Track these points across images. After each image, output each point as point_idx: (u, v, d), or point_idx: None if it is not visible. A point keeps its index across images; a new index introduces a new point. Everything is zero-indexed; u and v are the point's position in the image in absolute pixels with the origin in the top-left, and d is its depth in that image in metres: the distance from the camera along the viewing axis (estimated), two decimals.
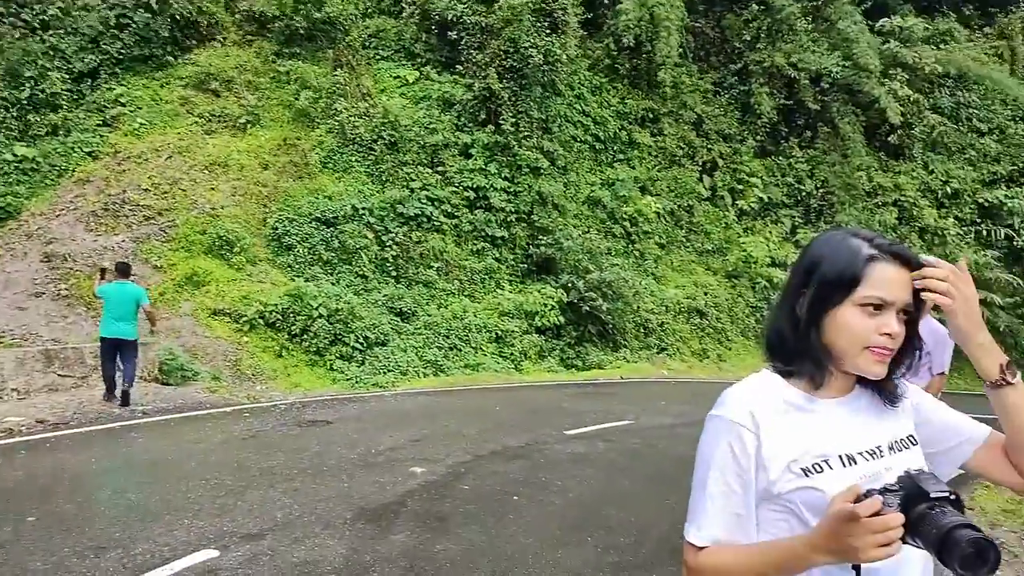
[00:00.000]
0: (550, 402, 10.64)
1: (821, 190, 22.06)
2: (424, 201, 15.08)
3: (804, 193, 22.12)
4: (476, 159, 16.20)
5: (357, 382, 11.06)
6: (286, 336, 11.74)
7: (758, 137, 21.92)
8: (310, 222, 13.75)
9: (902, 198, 22.38)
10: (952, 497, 1.07)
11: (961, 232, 22.42)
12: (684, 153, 21.10)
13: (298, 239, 13.42)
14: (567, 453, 7.13)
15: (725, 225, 21.13)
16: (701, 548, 1.19)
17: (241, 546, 4.14)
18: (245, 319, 11.58)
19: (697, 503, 1.21)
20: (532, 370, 13.93)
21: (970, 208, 22.86)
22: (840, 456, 1.20)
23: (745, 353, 19.20)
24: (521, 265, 16.28)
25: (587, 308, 15.24)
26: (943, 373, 4.77)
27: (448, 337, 13.38)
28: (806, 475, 1.17)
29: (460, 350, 13.35)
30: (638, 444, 7.99)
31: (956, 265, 1.20)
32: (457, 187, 15.77)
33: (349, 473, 5.71)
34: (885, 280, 1.18)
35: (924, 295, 1.20)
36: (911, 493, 1.08)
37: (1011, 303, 21.85)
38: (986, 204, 22.74)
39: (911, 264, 1.20)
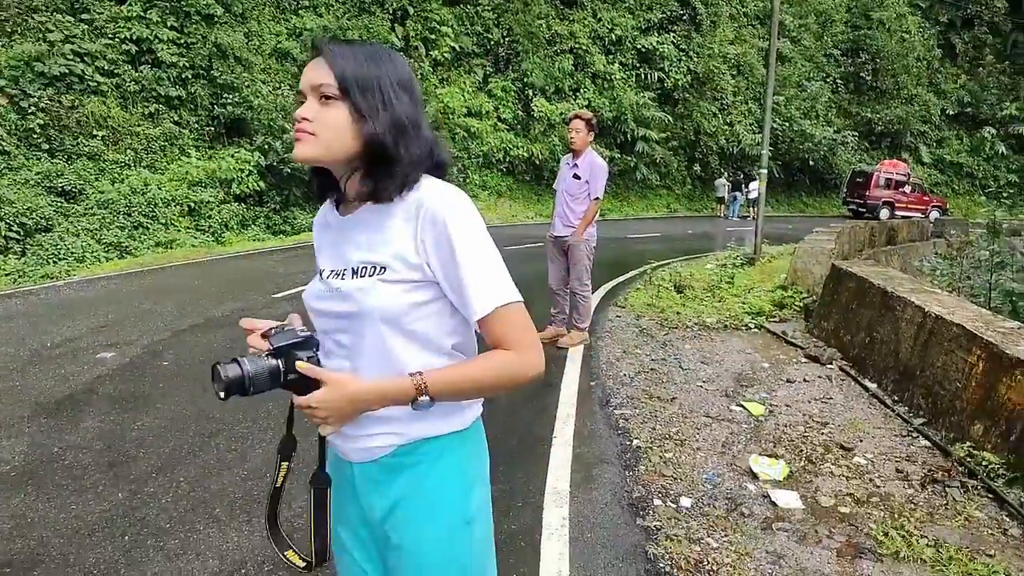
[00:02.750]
0: (256, 269, 10.32)
1: (507, 39, 22.98)
2: (71, 57, 12.73)
3: (492, 42, 22.86)
4: (132, 5, 13.91)
5: (21, 276, 9.55)
6: None
7: None
8: None
9: (577, 45, 24.26)
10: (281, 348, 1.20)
11: (625, 76, 25.24)
12: (373, 0, 20.28)
13: None
14: (277, 314, 7.12)
15: (421, 76, 21.15)
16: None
17: None
18: None
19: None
20: (235, 241, 13.22)
21: (631, 53, 25.66)
22: (320, 272, 1.32)
23: None
24: (207, 128, 14.83)
25: (289, 170, 14.60)
26: (598, 199, 5.58)
27: (130, 215, 11.98)
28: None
29: (147, 228, 12.09)
30: None
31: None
32: (112, 39, 13.52)
33: (20, 371, 5.12)
34: (304, 73, 1.21)
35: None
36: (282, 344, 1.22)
37: (664, 137, 25.65)
38: (643, 49, 25.71)
39: (317, 49, 1.22)
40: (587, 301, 5.87)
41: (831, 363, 5.51)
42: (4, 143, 11.51)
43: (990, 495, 3.30)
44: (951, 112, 34.96)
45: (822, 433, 4.10)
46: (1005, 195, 28.90)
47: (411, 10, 20.95)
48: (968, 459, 3.58)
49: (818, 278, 7.62)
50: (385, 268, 1.20)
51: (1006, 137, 34.37)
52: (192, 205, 13.03)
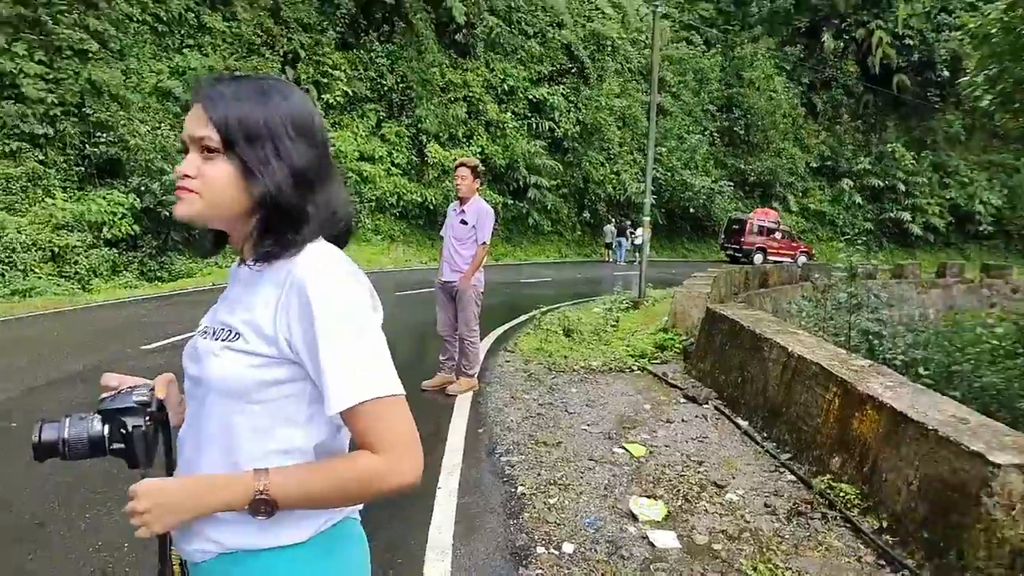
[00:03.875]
0: (126, 319, 9.67)
1: (402, 85, 23.18)
2: None
3: (386, 88, 22.99)
4: None
5: None
6: None
7: (338, 28, 21.81)
8: None
9: (470, 94, 24.82)
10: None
11: (517, 125, 25.98)
12: (263, 42, 19.99)
13: None
14: (144, 368, 6.67)
15: None
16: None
17: None
18: None
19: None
20: (104, 288, 12.37)
21: (523, 103, 26.50)
22: (197, 330, 1.17)
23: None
24: (77, 168, 13.94)
25: (167, 213, 13.90)
26: (485, 243, 5.64)
27: None
28: None
29: (2, 275, 11.12)
30: None
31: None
32: None
33: None
34: (185, 121, 1.08)
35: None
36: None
37: (555, 184, 26.46)
38: (534, 100, 26.62)
39: (195, 94, 1.09)
40: (475, 347, 5.87)
41: (707, 403, 5.76)
42: None
43: (847, 525, 3.51)
44: (814, 165, 38.15)
45: (698, 472, 4.25)
46: (861, 241, 31.71)
47: (303, 53, 20.79)
48: (828, 491, 3.81)
49: (696, 320, 8.00)
50: (239, 335, 1.05)
51: (862, 188, 37.80)
52: (56, 250, 12.11)
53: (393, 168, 22.27)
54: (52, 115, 13.48)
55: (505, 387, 6.20)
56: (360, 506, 1.17)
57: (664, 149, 30.01)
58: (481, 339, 6.68)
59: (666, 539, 3.36)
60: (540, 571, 3.02)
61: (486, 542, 3.30)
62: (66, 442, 1.05)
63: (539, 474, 4.14)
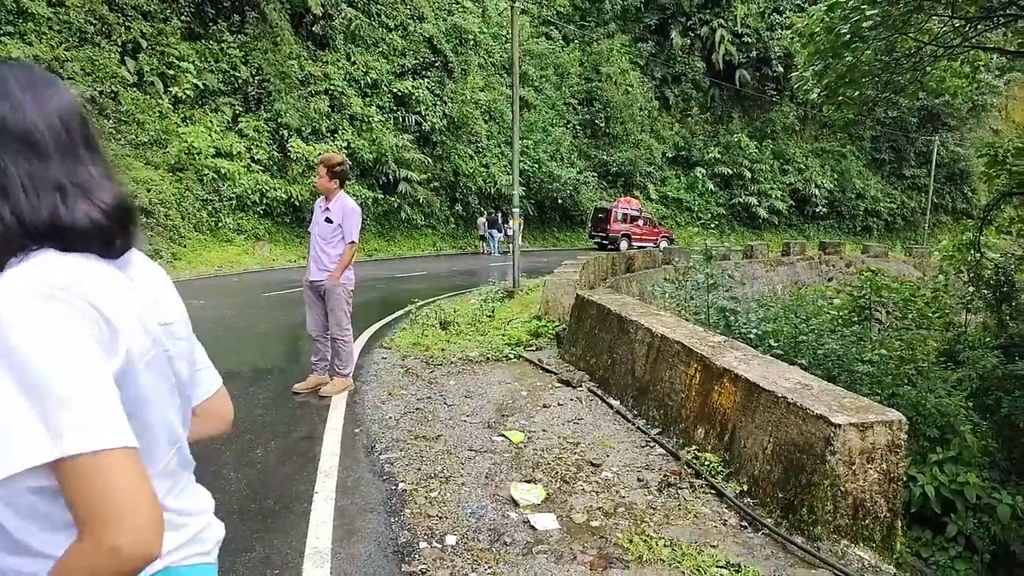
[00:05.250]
0: None
1: (257, 77, 22.09)
2: None
3: (241, 80, 21.82)
4: None
5: None
6: None
7: (183, 17, 20.46)
8: None
9: (332, 87, 24.07)
10: None
11: (383, 119, 25.51)
12: (97, 30, 18.36)
13: None
14: None
15: (160, 114, 19.52)
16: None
17: None
18: None
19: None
20: None
21: (388, 97, 26.05)
22: None
23: (202, 249, 18.69)
24: None
25: None
26: (353, 242, 5.50)
27: None
28: None
29: None
30: None
31: None
32: None
33: None
34: None
35: None
36: None
37: (425, 178, 26.26)
38: (399, 93, 26.25)
39: None
40: (348, 346, 5.72)
41: (580, 386, 5.95)
42: None
43: (713, 491, 3.75)
44: (670, 155, 40.31)
45: (575, 453, 4.38)
46: (714, 225, 34.03)
47: (144, 43, 19.31)
48: (694, 461, 4.04)
49: (567, 307, 8.23)
50: None
51: (713, 176, 40.42)
52: None
53: (254, 164, 21.21)
54: None
55: (382, 384, 6.09)
56: (200, 550, 1.06)
57: (530, 142, 30.60)
58: (355, 337, 6.53)
59: (546, 521, 3.43)
60: (424, 567, 3.00)
61: (366, 543, 3.22)
62: None
63: (419, 468, 4.10)
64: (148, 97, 19.36)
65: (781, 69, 39.67)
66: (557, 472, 4.06)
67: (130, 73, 18.97)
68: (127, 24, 18.96)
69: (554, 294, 8.91)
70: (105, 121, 18.10)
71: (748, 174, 40.52)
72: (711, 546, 3.16)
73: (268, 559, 3.05)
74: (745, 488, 3.67)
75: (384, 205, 24.62)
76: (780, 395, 3.65)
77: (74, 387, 0.82)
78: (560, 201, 32.30)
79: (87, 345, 0.85)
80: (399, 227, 25.88)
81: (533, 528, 3.36)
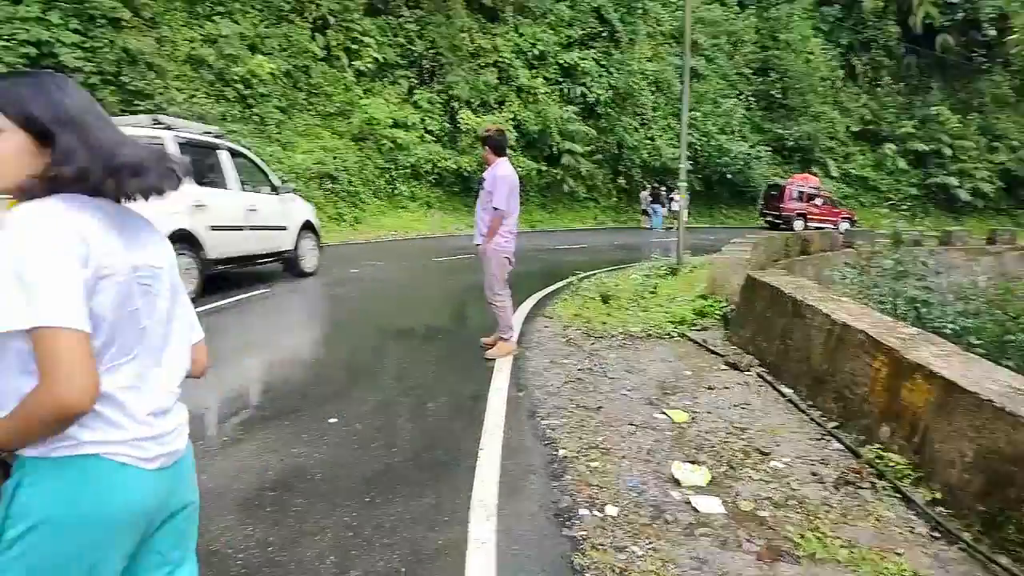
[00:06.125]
0: None
1: (431, 51, 22.96)
2: None
3: (416, 54, 22.79)
4: (30, 5, 13.13)
5: None
6: None
7: None
8: None
9: (500, 59, 24.49)
10: None
11: (549, 90, 25.60)
12: (292, 8, 19.90)
13: None
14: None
15: (345, 87, 20.89)
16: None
17: None
18: None
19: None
20: None
21: (554, 68, 26.07)
22: None
23: (379, 214, 19.93)
24: None
25: None
26: (496, 209, 5.64)
27: None
28: None
29: None
30: (267, 309, 8.03)
31: None
32: (9, 41, 12.71)
33: None
34: None
35: None
36: None
37: (589, 151, 26.13)
38: (565, 65, 26.16)
39: None
40: (503, 312, 5.88)
41: (749, 370, 5.68)
42: None
43: (898, 495, 3.44)
44: (855, 129, 37.02)
45: (741, 439, 4.20)
46: (905, 207, 30.85)
47: (332, 19, 20.67)
48: (877, 461, 3.73)
49: (736, 287, 7.86)
50: None
51: (905, 153, 36.64)
52: None
53: (427, 135, 22.18)
54: (91, 84, 13.62)
55: (544, 352, 6.19)
56: (136, 453, 1.29)
57: (699, 114, 29.34)
58: (518, 304, 6.67)
59: (710, 504, 3.33)
60: (584, 533, 3.02)
61: (529, 502, 3.30)
62: None
63: (580, 437, 4.13)
64: (334, 70, 20.77)
65: (993, 32, 34.89)
66: (722, 456, 3.92)
67: (319, 48, 20.43)
68: (317, 2, 20.39)
69: (722, 273, 8.55)
70: (298, 93, 19.68)
71: (948, 151, 36.28)
72: (896, 553, 2.91)
73: (438, 506, 3.22)
74: (938, 496, 3.33)
75: (548, 177, 24.82)
76: (985, 398, 3.25)
77: (48, 279, 1.15)
78: (729, 177, 30.82)
79: (67, 255, 1.18)
80: (562, 199, 26.02)
81: (696, 510, 3.28)
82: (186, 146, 7.62)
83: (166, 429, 1.36)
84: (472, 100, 23.29)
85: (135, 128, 7.30)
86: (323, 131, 19.93)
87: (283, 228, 9.30)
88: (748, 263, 8.77)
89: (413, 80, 22.80)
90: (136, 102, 14.11)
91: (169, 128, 7.75)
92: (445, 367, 5.60)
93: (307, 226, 9.79)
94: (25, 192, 1.25)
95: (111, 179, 1.26)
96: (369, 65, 21.33)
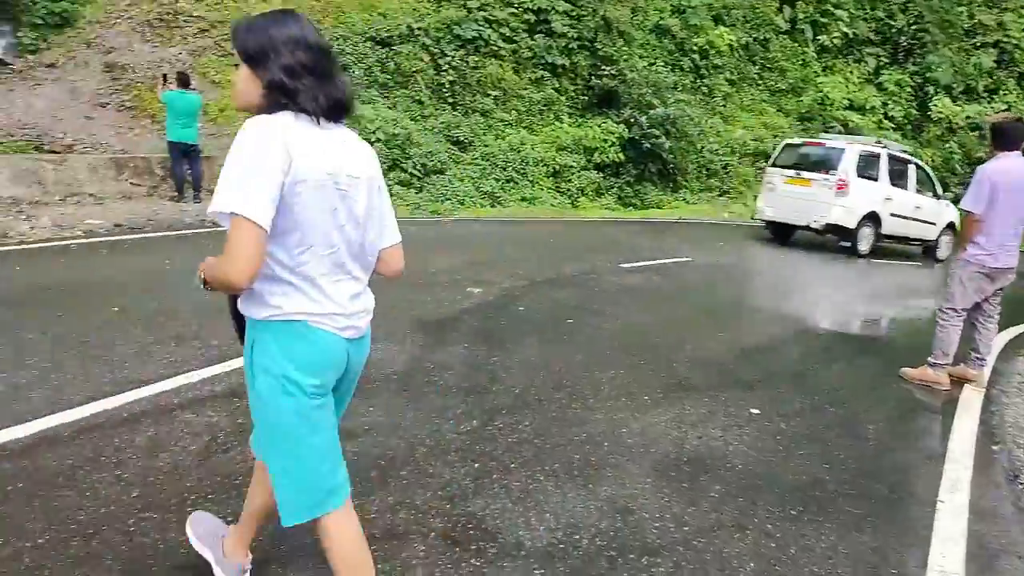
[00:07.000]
0: (605, 237, 10.61)
1: (914, 26, 20.06)
2: (482, 23, 14.25)
3: (894, 30, 20.18)
4: None
5: (416, 208, 11.15)
6: None
7: None
8: (364, 41, 13.25)
9: (1004, 39, 20.25)
10: None
11: None
12: None
13: (353, 59, 13.01)
14: (620, 284, 7.20)
15: (803, 63, 19.64)
16: None
17: None
18: None
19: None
20: (589, 207, 13.79)
21: None
22: None
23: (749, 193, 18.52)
24: (582, 97, 15.58)
25: (648, 145, 14.72)
26: (964, 211, 4.82)
27: (505, 169, 13.20)
28: None
29: (517, 183, 13.21)
30: (693, 280, 8.00)
31: None
32: (517, 8, 14.80)
33: (410, 287, 5.88)
34: None
35: None
36: None
37: None
38: None
39: None
40: (944, 331, 4.81)
41: None
42: (421, 94, 13.44)
43: None
44: None
45: None
46: None
47: None
48: None
49: None
50: None
51: None
52: (557, 168, 13.87)
53: (885, 121, 19.70)
54: (570, 48, 15.18)
55: None
56: (325, 311, 1.61)
57: None
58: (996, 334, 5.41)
59: None
60: None
61: None
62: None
63: None
64: (796, 45, 19.62)
65: None
66: None
67: (784, 20, 19.44)
68: None
69: None
70: (751, 66, 19.14)
71: None
72: None
73: (881, 554, 2.73)
74: None
75: None
76: None
77: (249, 178, 1.42)
78: None
79: (271, 158, 1.44)
80: None
81: None
82: (892, 159, 11.25)
83: (356, 310, 1.68)
84: (954, 85, 19.83)
85: (863, 144, 11.28)
86: (769, 107, 19.12)
87: (932, 224, 12.02)
88: None
89: (883, 59, 20.31)
90: (603, 66, 15.29)
91: (885, 147, 11.39)
92: (884, 385, 4.84)
93: (950, 226, 12.18)
94: (255, 109, 1.55)
95: (311, 101, 1.53)
96: (836, 40, 19.63)
